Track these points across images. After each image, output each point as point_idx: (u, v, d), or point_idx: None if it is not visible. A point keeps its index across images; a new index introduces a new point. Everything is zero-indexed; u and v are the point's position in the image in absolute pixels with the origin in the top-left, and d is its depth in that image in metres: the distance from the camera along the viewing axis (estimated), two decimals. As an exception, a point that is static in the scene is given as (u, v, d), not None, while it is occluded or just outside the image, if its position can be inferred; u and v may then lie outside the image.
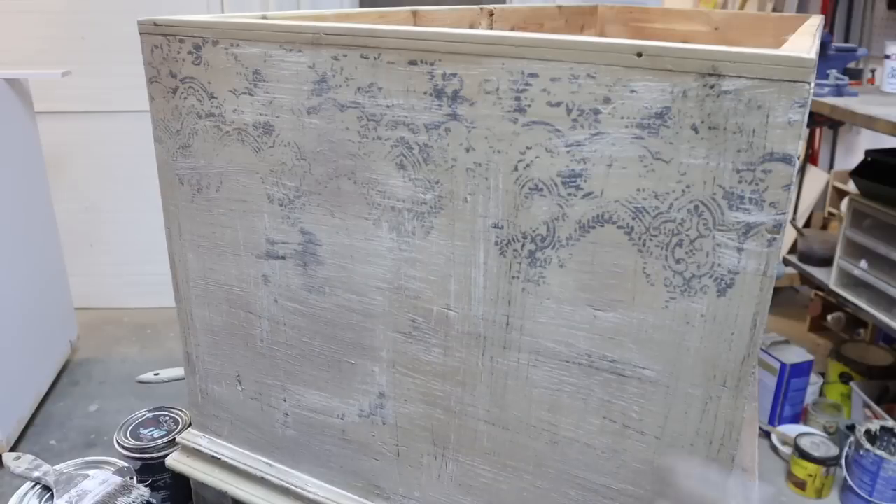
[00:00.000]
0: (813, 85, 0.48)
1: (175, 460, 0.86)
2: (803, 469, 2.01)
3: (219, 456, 0.83)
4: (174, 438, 0.91)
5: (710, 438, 0.56)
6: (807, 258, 2.35)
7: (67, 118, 2.54)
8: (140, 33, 0.71)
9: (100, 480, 0.84)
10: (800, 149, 0.49)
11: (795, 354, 2.26)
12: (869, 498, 1.87)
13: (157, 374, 1.99)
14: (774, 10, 3.18)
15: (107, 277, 2.69)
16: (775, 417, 2.30)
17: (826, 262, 2.24)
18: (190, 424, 0.88)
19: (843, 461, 1.96)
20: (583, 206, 0.55)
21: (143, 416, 1.04)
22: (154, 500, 0.86)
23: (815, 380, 2.33)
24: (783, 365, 2.22)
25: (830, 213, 2.86)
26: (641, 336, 0.56)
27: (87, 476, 0.85)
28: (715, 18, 1.49)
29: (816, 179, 3.03)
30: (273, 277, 0.73)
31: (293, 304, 0.73)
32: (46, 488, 0.85)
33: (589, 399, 0.60)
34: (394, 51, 0.58)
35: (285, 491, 0.79)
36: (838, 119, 1.95)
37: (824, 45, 2.11)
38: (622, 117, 0.51)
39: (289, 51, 0.63)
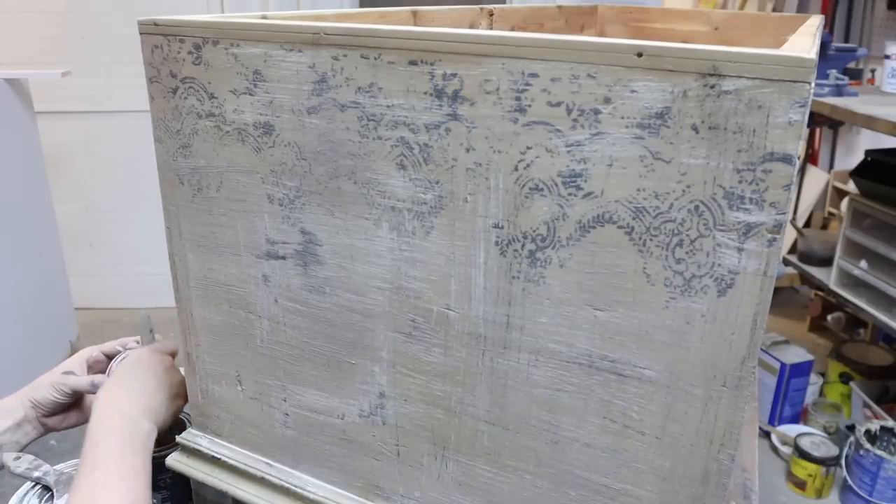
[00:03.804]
0: (813, 85, 0.48)
1: (175, 460, 0.86)
2: (803, 469, 2.01)
3: (219, 456, 0.83)
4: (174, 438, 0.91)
5: (711, 438, 0.56)
6: (807, 258, 2.36)
7: (67, 118, 2.54)
8: (140, 33, 0.71)
9: (100, 480, 0.84)
10: (800, 149, 0.49)
11: (795, 354, 2.27)
12: (869, 498, 1.87)
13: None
14: (774, 10, 3.18)
15: (107, 277, 2.69)
16: (775, 417, 2.30)
17: (826, 262, 2.24)
18: (190, 424, 0.88)
19: (843, 461, 1.96)
20: (583, 206, 0.55)
21: (143, 416, 1.04)
22: (154, 500, 0.86)
23: (815, 380, 2.34)
24: (783, 365, 2.23)
25: (830, 213, 2.86)
26: (642, 336, 0.56)
27: (87, 476, 0.85)
28: (715, 18, 1.49)
29: (816, 179, 3.03)
30: (273, 277, 0.73)
31: (293, 304, 0.73)
32: (46, 488, 0.85)
33: (589, 399, 0.60)
34: (394, 51, 0.58)
35: (285, 491, 0.79)
36: (838, 119, 1.95)
37: (824, 45, 2.11)
38: (622, 117, 0.51)
39: (289, 51, 0.63)
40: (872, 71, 2.99)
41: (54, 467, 0.88)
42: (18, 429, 0.86)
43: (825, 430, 2.20)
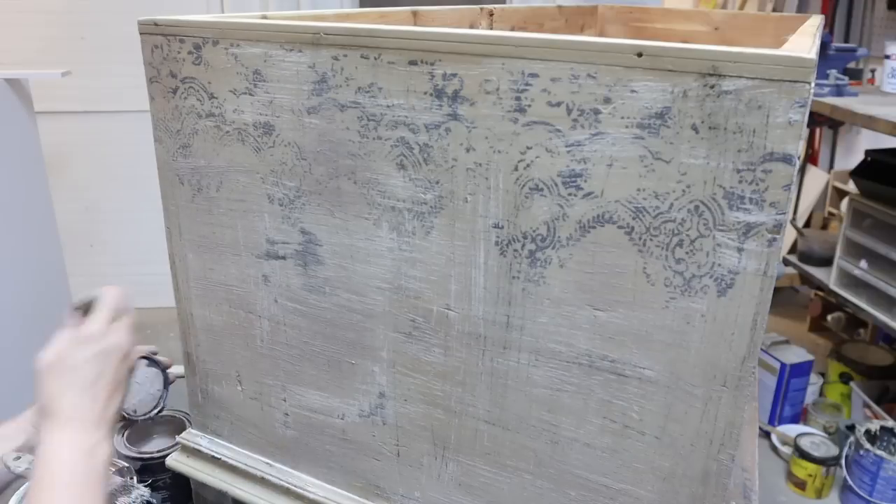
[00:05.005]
0: (813, 85, 0.48)
1: (175, 460, 0.86)
2: (803, 469, 2.01)
3: (219, 456, 0.83)
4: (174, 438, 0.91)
5: (711, 438, 0.56)
6: (807, 258, 2.36)
7: (67, 118, 2.54)
8: (140, 33, 0.71)
9: (100, 480, 0.84)
10: (800, 149, 0.49)
11: (795, 354, 2.27)
12: (869, 498, 1.87)
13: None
14: (774, 10, 3.18)
15: (107, 277, 2.68)
16: (775, 417, 2.30)
17: (826, 262, 2.24)
18: (190, 424, 0.88)
19: (843, 461, 1.96)
20: (583, 206, 0.55)
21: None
22: (154, 500, 0.86)
23: (815, 380, 2.34)
24: (783, 365, 2.23)
25: (830, 213, 2.86)
26: (642, 336, 0.56)
27: (87, 476, 0.85)
28: (715, 18, 1.49)
29: (816, 179, 3.03)
30: (273, 277, 0.73)
31: (293, 304, 0.73)
32: (46, 488, 0.84)
33: (589, 399, 0.60)
34: (394, 51, 0.58)
35: (285, 491, 0.79)
36: (838, 119, 1.95)
37: (824, 45, 2.11)
38: (622, 117, 0.51)
39: (289, 51, 0.63)
40: (872, 71, 2.99)
41: (54, 467, 0.87)
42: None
43: (825, 430, 2.20)
